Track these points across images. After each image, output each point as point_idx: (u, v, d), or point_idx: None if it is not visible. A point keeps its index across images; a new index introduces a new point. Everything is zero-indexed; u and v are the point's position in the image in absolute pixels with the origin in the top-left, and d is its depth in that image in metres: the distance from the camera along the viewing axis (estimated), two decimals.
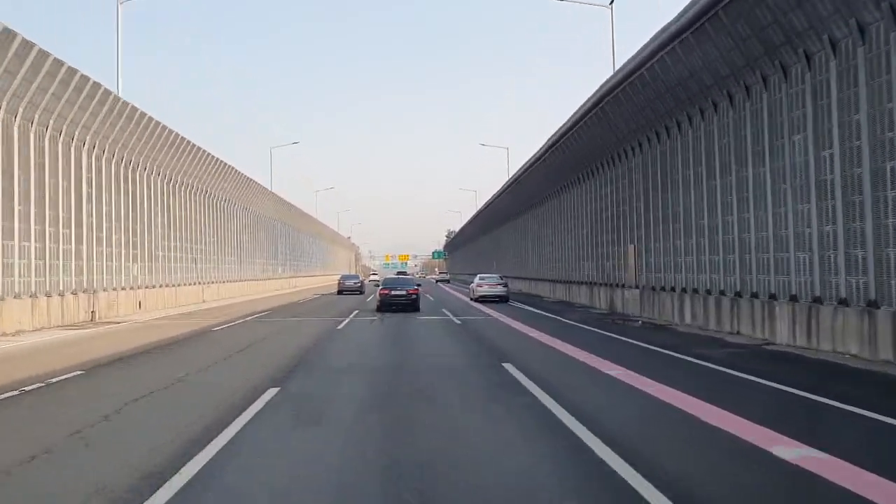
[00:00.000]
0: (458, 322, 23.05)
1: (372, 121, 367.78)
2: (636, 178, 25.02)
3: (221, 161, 41.33)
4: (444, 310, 29.49)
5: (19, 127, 20.58)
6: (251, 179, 49.67)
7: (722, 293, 18.52)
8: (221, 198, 44.03)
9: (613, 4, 28.96)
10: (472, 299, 37.40)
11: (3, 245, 19.91)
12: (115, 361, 13.83)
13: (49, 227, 22.45)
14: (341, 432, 7.71)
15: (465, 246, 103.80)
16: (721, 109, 18.26)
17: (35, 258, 21.56)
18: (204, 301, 38.34)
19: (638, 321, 22.63)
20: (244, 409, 8.66)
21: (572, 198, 35.05)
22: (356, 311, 28.52)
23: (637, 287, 25.20)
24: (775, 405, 9.24)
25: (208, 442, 6.99)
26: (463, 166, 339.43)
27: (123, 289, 28.20)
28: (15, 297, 20.40)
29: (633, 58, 20.14)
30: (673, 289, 21.92)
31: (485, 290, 36.30)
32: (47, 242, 22.33)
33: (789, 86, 15.17)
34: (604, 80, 23.51)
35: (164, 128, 30.77)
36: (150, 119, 28.99)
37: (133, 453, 6.70)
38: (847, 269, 13.42)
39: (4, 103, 19.58)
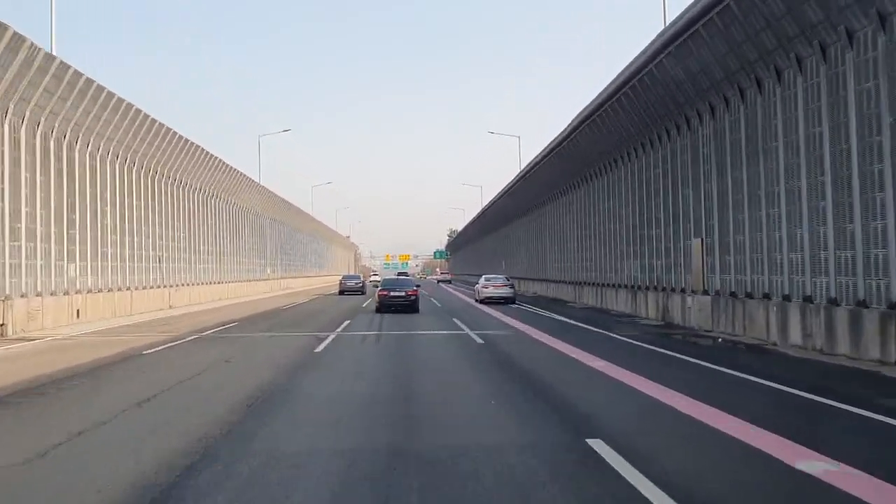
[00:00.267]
0: (480, 341, 17.17)
1: (372, 120, 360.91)
2: (707, 152, 19.38)
3: (196, 145, 35.59)
4: (455, 320, 23.72)
5: None
6: (234, 169, 43.91)
7: (862, 304, 12.88)
8: (196, 188, 38.34)
9: None
10: (477, 300, 35.51)
11: None
12: None
13: None
14: None
15: (468, 245, 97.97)
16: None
17: None
18: (171, 307, 32.64)
19: (717, 338, 17.03)
20: None
21: (606, 184, 29.35)
22: (346, 322, 22.78)
23: (706, 293, 19.54)
24: None
25: None
26: (464, 166, 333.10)
27: (54, 294, 22.44)
28: None
29: None
30: (767, 295, 16.28)
31: (490, 291, 34.90)
32: None
33: None
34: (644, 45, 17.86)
35: (112, 95, 25.02)
36: (92, 82, 23.26)
37: None
38: None
39: None
